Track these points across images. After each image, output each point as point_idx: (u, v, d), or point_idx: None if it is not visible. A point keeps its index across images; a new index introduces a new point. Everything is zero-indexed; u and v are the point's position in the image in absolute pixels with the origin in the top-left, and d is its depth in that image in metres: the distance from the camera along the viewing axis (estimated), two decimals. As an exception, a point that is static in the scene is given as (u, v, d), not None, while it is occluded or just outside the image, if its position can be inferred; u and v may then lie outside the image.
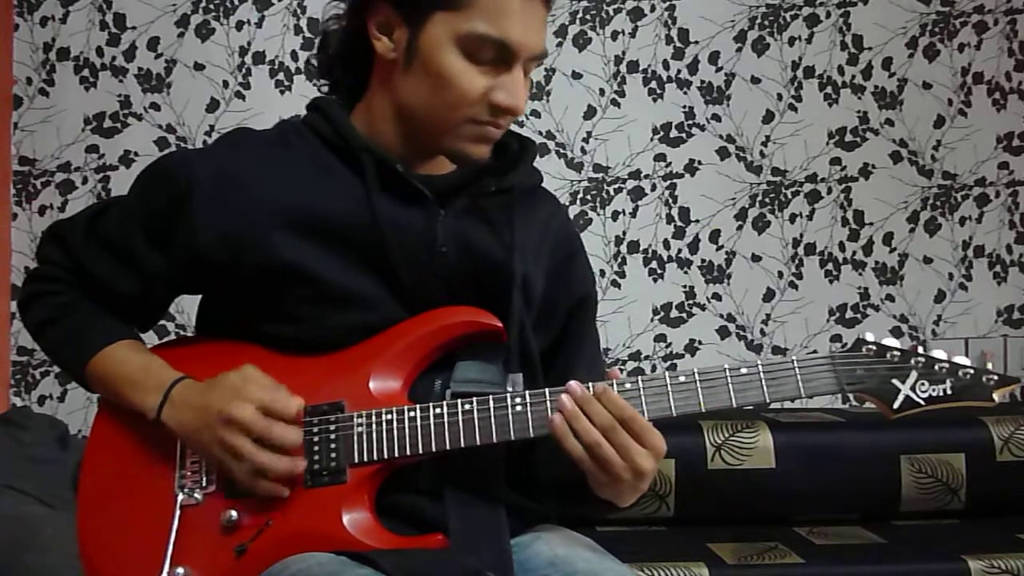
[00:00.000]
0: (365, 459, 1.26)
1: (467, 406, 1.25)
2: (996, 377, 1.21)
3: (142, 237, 1.36)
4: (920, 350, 1.23)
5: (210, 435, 1.26)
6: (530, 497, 1.38)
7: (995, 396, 1.21)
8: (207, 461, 1.30)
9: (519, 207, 1.39)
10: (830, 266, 3.03)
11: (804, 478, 2.55)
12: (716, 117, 3.01)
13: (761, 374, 1.24)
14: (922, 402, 1.22)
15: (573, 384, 1.23)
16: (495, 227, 1.37)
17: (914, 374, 1.22)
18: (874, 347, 1.24)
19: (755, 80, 3.01)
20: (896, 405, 1.22)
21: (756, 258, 3.02)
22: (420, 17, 1.28)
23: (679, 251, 3.00)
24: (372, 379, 1.29)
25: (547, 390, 1.25)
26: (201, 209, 1.31)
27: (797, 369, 1.23)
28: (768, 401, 1.24)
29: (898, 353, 1.23)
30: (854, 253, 3.04)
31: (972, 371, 1.21)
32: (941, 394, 1.21)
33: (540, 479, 1.39)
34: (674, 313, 3.00)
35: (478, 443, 1.24)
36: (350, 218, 1.31)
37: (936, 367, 1.22)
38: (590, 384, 1.23)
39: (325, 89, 1.44)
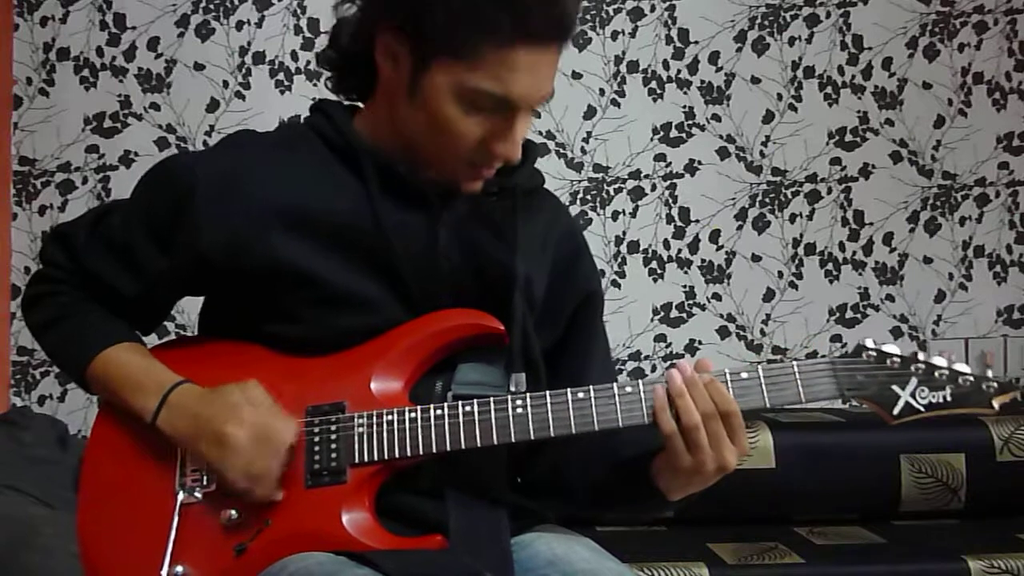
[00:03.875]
0: (366, 459, 1.26)
1: (467, 407, 1.25)
2: (996, 385, 1.21)
3: (145, 239, 1.36)
4: (920, 356, 1.23)
5: (201, 447, 1.27)
6: (536, 499, 1.39)
7: (995, 404, 1.21)
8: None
9: (521, 208, 1.39)
10: (830, 266, 3.03)
11: (804, 478, 2.55)
12: (716, 117, 3.01)
13: (761, 379, 1.24)
14: (922, 408, 1.22)
15: (684, 363, 1.24)
16: (497, 229, 1.37)
17: (914, 380, 1.23)
18: (874, 353, 1.24)
19: (755, 80, 3.01)
20: (896, 411, 1.22)
21: (756, 258, 3.02)
22: (426, 57, 1.25)
23: (679, 251, 3.00)
24: (373, 380, 1.29)
25: (548, 393, 1.25)
26: (204, 211, 1.31)
27: (798, 374, 1.23)
28: (768, 406, 1.24)
29: (898, 359, 1.23)
30: (854, 253, 3.04)
31: (972, 378, 1.22)
32: (941, 401, 1.22)
33: (566, 482, 1.40)
34: (674, 313, 3.00)
35: (478, 445, 1.24)
36: (352, 220, 1.31)
37: (936, 374, 1.22)
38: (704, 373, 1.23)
39: (330, 84, 1.43)
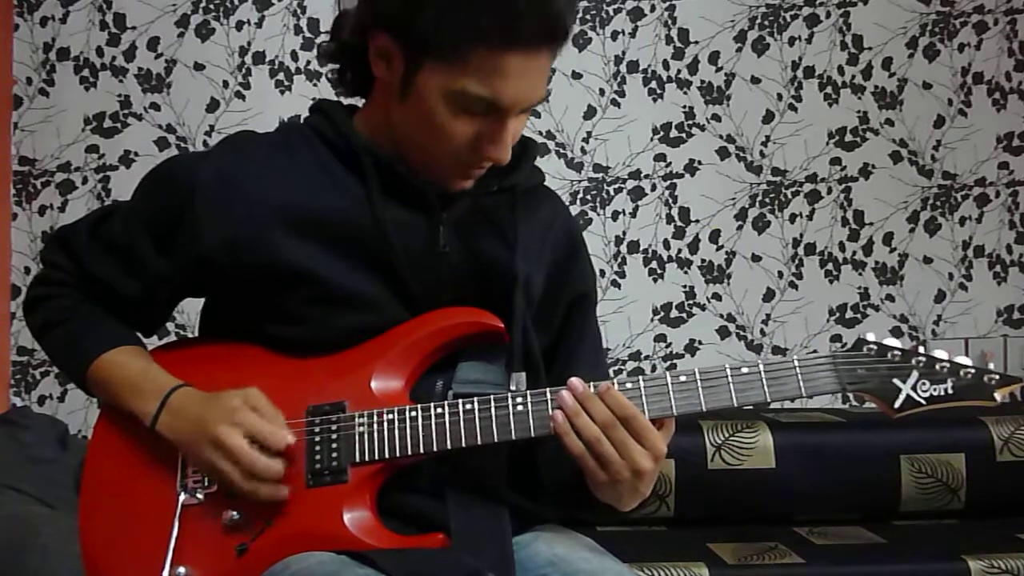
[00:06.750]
0: (367, 459, 1.26)
1: (468, 406, 1.25)
2: (997, 377, 1.21)
3: (146, 241, 1.36)
4: (921, 350, 1.23)
5: (199, 450, 1.27)
6: (532, 499, 1.38)
7: (996, 396, 1.21)
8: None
9: (521, 207, 1.39)
10: (830, 266, 3.04)
11: (804, 478, 2.55)
12: (716, 117, 3.01)
13: (762, 374, 1.24)
14: (923, 402, 1.22)
15: (575, 380, 1.23)
16: (497, 228, 1.37)
17: (915, 374, 1.22)
18: (875, 347, 1.24)
19: (755, 80, 3.01)
20: (897, 404, 1.22)
21: (756, 258, 3.02)
22: (417, 60, 1.25)
23: (679, 251, 3.00)
24: (374, 379, 1.29)
25: (548, 390, 1.25)
26: (204, 212, 1.31)
27: (798, 369, 1.23)
28: (769, 401, 1.24)
29: (899, 353, 1.23)
30: (854, 253, 3.04)
31: (973, 371, 1.21)
32: (942, 394, 1.21)
33: (542, 481, 1.39)
34: (674, 313, 3.00)
35: (479, 443, 1.24)
36: (352, 220, 1.31)
37: (937, 367, 1.22)
38: (593, 383, 1.23)
39: (331, 79, 1.43)
